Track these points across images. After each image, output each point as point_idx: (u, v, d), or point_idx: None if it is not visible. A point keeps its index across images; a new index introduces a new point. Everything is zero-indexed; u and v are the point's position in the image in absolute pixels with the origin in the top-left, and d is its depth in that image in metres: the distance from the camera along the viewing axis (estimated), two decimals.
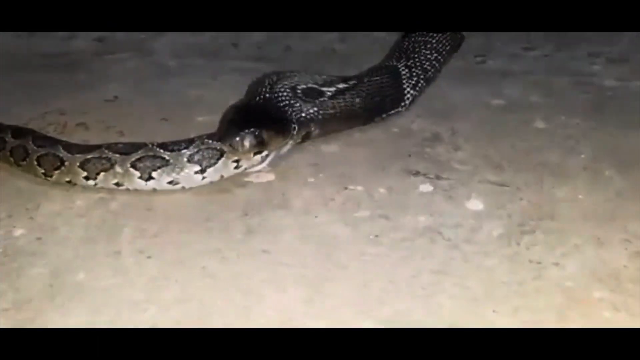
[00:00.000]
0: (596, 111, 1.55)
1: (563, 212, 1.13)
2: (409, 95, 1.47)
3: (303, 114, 1.28)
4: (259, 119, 1.19)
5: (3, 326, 0.90)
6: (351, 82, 1.39)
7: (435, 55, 1.57)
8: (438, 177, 1.24)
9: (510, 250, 1.03)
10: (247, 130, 1.13)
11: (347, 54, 1.95)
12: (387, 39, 1.79)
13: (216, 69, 1.83)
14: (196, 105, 1.57)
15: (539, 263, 1.00)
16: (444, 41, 1.60)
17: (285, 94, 1.28)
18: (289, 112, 1.26)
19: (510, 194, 1.19)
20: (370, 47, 1.87)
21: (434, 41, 1.57)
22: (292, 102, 1.27)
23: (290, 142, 1.27)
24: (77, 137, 1.39)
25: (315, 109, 1.30)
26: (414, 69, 1.50)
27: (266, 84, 1.31)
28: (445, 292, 0.95)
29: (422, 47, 1.54)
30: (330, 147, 1.37)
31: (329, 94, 1.33)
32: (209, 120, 1.46)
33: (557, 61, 1.93)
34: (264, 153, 1.22)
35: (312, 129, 1.31)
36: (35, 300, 0.95)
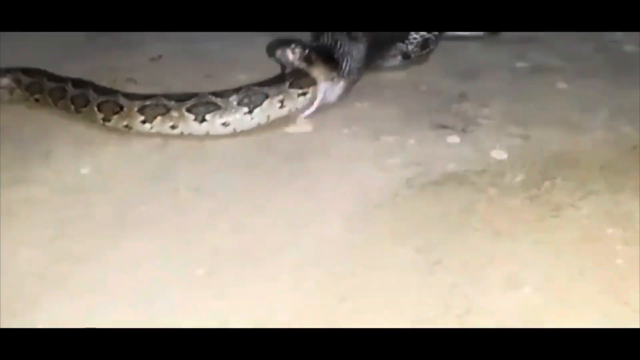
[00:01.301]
0: (615, 74, 1.62)
1: (582, 162, 1.22)
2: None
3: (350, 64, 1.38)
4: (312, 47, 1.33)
5: (77, 252, 1.02)
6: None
7: None
8: (464, 130, 1.34)
9: (532, 193, 1.13)
10: (297, 45, 1.28)
11: None
12: None
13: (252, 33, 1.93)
14: (236, 64, 1.67)
15: (558, 205, 1.10)
16: None
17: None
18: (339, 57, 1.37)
19: (532, 146, 1.28)
20: None
21: None
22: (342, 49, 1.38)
23: (338, 85, 1.36)
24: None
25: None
26: None
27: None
28: (471, 227, 1.05)
29: None
30: (363, 104, 1.46)
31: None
32: (249, 78, 1.57)
33: (579, 34, 1.99)
34: (308, 95, 1.33)
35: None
36: (106, 229, 1.06)
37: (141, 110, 1.30)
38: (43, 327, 0.87)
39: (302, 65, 1.29)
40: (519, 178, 1.17)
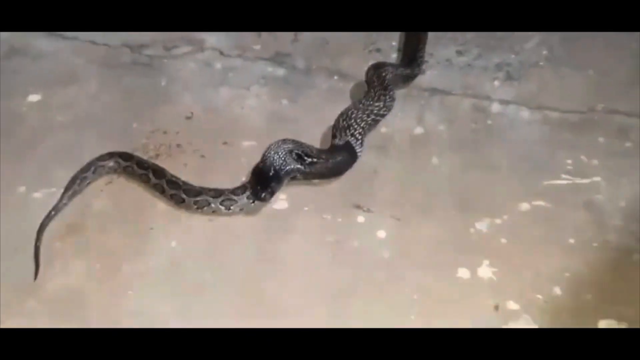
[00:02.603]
0: (475, 147, 2.61)
1: (421, 241, 2.40)
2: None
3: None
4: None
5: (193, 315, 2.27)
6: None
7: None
8: (368, 211, 2.46)
9: (392, 273, 2.36)
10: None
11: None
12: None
13: (250, 76, 2.80)
14: (241, 127, 2.65)
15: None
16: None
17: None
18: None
19: (400, 226, 2.43)
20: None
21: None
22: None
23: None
24: (178, 161, 2.54)
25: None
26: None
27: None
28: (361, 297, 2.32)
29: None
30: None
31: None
32: (251, 146, 2.58)
33: (474, 73, 2.86)
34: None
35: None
36: (199, 289, 2.30)
37: (195, 203, 2.41)
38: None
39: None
40: (387, 255, 2.38)
